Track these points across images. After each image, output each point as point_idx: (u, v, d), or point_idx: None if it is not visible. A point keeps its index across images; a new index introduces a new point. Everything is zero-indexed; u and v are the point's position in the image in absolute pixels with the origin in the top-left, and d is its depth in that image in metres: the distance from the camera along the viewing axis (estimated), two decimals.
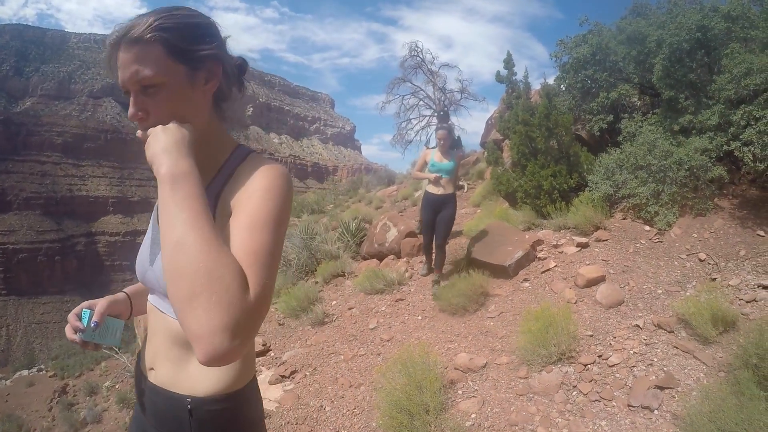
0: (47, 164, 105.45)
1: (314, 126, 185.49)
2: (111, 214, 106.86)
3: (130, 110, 1.00)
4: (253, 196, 0.99)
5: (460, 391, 3.56)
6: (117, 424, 14.39)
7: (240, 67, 1.24)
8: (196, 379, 1.11)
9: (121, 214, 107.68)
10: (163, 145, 0.94)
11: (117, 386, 17.46)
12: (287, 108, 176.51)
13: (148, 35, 0.96)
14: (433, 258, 6.00)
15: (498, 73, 9.92)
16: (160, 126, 0.98)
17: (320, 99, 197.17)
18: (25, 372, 28.50)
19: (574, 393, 3.20)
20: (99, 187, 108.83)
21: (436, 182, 5.58)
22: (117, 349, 19.19)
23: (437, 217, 5.65)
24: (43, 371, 26.94)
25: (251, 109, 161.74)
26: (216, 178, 1.12)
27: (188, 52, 1.01)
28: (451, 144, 5.91)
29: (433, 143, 8.98)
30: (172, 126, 0.98)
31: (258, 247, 0.90)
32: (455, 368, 3.86)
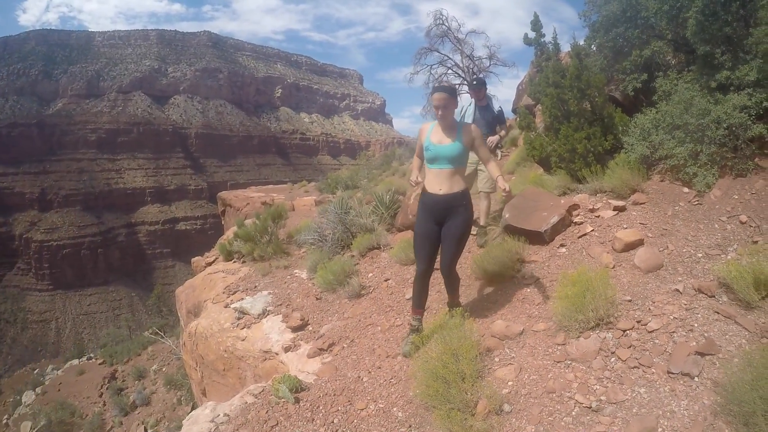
0: (83, 161, 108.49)
1: (344, 103, 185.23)
2: (149, 204, 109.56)
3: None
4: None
5: (496, 359, 3.58)
6: (165, 405, 16.08)
7: None
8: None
9: (159, 204, 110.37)
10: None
11: (164, 369, 19.36)
12: (316, 87, 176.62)
13: None
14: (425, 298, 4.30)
15: (525, 35, 9.61)
16: None
17: (348, 75, 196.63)
18: (75, 361, 30.51)
19: (613, 359, 3.14)
20: (135, 179, 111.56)
21: (436, 178, 4.04)
22: (161, 333, 20.94)
23: (442, 230, 4.06)
24: (93, 359, 29.00)
25: (280, 90, 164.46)
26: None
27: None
28: (467, 115, 6.02)
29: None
30: None
31: None
32: (492, 336, 3.87)
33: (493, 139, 5.87)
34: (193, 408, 11.45)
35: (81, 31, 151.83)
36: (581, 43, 8.16)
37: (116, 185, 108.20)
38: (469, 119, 6.04)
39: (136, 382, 19.30)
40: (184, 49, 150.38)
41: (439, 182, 4.01)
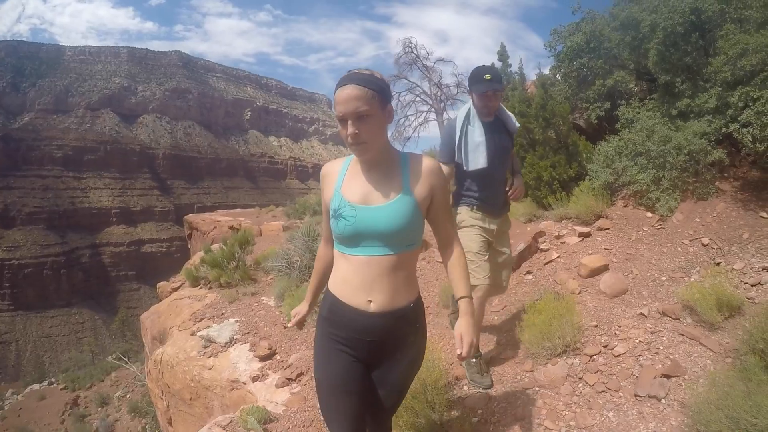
0: (48, 178, 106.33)
1: (313, 127, 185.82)
2: (114, 224, 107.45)
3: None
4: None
5: (465, 387, 3.54)
6: None
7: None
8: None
9: (124, 225, 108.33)
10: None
11: (128, 395, 18.79)
12: (285, 110, 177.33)
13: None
14: None
15: (492, 65, 9.79)
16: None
17: (318, 100, 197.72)
18: (36, 386, 29.49)
19: (581, 385, 3.17)
20: (101, 199, 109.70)
21: (359, 276, 1.87)
22: (124, 359, 20.21)
23: (372, 375, 2.01)
24: (54, 384, 28.15)
25: (249, 113, 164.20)
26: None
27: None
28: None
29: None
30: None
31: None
32: (460, 364, 3.78)
33: (517, 192, 3.56)
34: None
35: (51, 44, 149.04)
36: (546, 72, 8.37)
37: (81, 204, 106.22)
38: (470, 148, 3.28)
39: (100, 408, 18.88)
40: (154, 68, 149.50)
41: (366, 286, 1.87)
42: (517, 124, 3.56)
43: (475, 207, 3.41)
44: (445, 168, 3.16)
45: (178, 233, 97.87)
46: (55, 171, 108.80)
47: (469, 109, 3.36)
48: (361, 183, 1.89)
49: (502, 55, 9.63)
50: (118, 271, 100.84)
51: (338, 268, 1.96)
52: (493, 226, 3.44)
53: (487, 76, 3.24)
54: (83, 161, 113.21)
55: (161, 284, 11.32)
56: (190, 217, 23.71)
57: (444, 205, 1.97)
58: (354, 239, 1.85)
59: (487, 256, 3.37)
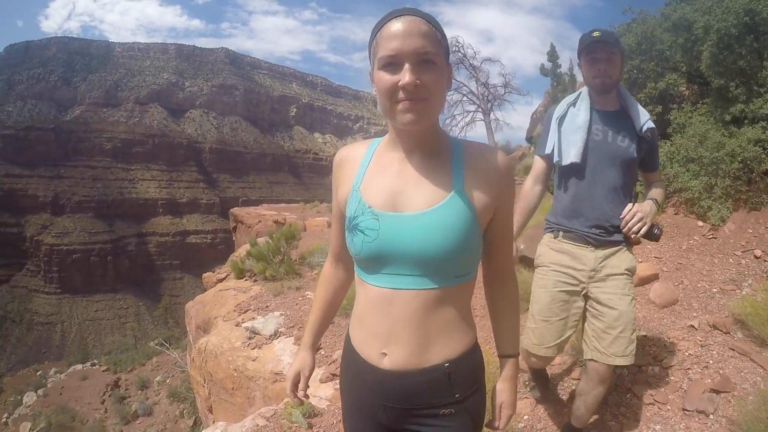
0: (98, 169, 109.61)
1: (358, 125, 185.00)
2: (161, 215, 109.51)
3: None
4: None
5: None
6: (167, 417, 15.57)
7: None
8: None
9: (170, 215, 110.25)
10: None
11: (168, 381, 18.91)
12: (330, 107, 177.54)
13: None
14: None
15: (542, 65, 9.70)
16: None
17: (363, 98, 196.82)
18: (79, 366, 30.36)
19: (628, 396, 3.12)
20: (148, 190, 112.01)
21: (380, 315, 1.25)
22: (166, 345, 20.79)
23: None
24: (97, 365, 28.67)
25: (294, 109, 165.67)
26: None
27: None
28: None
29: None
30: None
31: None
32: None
33: (634, 220, 2.33)
34: (195, 422, 11.58)
35: (101, 40, 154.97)
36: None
37: (129, 194, 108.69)
38: (566, 133, 2.47)
39: (139, 391, 19.17)
40: (201, 64, 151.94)
41: (382, 331, 1.26)
42: (650, 124, 2.47)
43: (561, 233, 2.51)
44: (537, 162, 2.63)
45: (222, 225, 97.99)
46: (104, 162, 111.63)
47: (581, 93, 2.55)
48: (391, 179, 1.25)
49: (552, 55, 9.48)
50: (162, 260, 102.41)
51: (357, 299, 1.36)
52: (589, 265, 2.41)
53: (596, 33, 2.33)
54: (132, 153, 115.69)
55: (207, 275, 11.35)
56: (236, 210, 23.87)
57: (508, 222, 1.34)
58: (375, 262, 1.24)
59: (560, 318, 2.47)
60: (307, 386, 1.63)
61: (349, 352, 1.38)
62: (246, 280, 8.47)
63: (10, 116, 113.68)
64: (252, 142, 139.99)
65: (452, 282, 1.22)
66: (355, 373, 1.36)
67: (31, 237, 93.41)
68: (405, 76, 1.10)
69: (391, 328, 1.23)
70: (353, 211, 1.26)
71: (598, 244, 2.42)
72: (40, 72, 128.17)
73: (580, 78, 9.24)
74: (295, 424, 3.57)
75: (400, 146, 1.26)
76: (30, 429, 16.66)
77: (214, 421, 5.14)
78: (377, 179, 1.27)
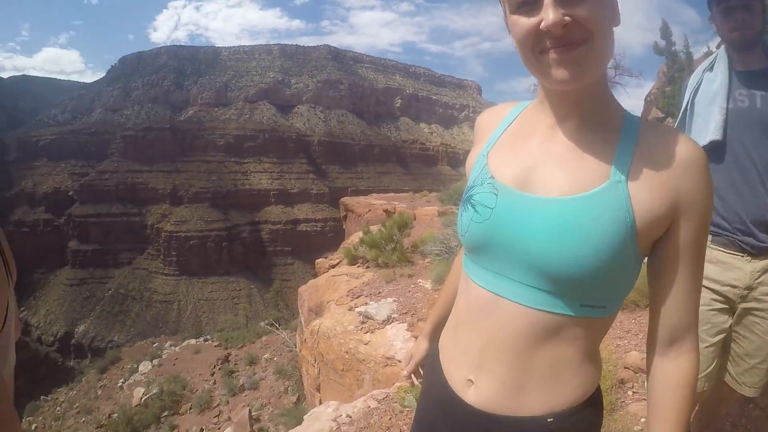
0: (212, 163, 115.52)
1: (463, 113, 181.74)
2: (272, 204, 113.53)
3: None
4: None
5: (629, 392, 3.27)
6: (272, 392, 16.43)
7: None
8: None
9: (282, 205, 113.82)
10: None
11: (275, 358, 19.64)
12: (435, 97, 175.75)
13: None
14: None
15: (655, 44, 9.37)
16: None
17: (467, 86, 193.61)
18: (192, 341, 31.55)
19: (750, 405, 2.94)
20: (261, 181, 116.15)
21: (471, 330, 0.96)
22: (276, 325, 22.41)
23: None
24: (209, 341, 29.63)
25: (399, 101, 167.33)
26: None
27: None
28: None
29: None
30: None
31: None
32: (625, 367, 3.46)
33: None
34: (298, 399, 12.49)
35: (208, 46, 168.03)
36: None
37: (242, 186, 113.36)
38: (700, 106, 1.92)
39: (248, 367, 20.02)
40: (305, 62, 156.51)
41: (475, 349, 0.94)
42: None
43: (709, 237, 1.56)
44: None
45: (332, 214, 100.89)
46: (218, 157, 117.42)
47: (717, 54, 1.99)
48: (529, 148, 0.94)
49: (665, 31, 8.01)
50: (274, 247, 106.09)
51: (458, 299, 1.06)
52: (743, 281, 1.81)
53: None
54: (244, 148, 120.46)
55: (319, 260, 11.90)
56: (346, 199, 25.09)
57: (691, 248, 0.86)
58: (482, 252, 0.94)
59: (709, 344, 1.89)
60: (415, 370, 1.42)
61: (433, 368, 1.10)
62: (358, 266, 8.79)
63: (129, 119, 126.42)
64: (359, 134, 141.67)
65: (575, 311, 0.86)
66: (434, 399, 1.07)
67: (152, 225, 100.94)
68: (548, 14, 0.76)
69: (484, 347, 0.93)
70: (472, 179, 1.00)
71: (757, 252, 1.80)
72: (153, 78, 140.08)
73: (698, 54, 7.82)
74: (407, 408, 3.62)
75: (550, 110, 0.92)
76: (143, 394, 18.04)
77: (320, 400, 5.79)
78: (512, 146, 0.98)
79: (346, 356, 5.53)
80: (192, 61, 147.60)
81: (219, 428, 15.19)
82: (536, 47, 0.79)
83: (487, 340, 0.90)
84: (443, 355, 1.05)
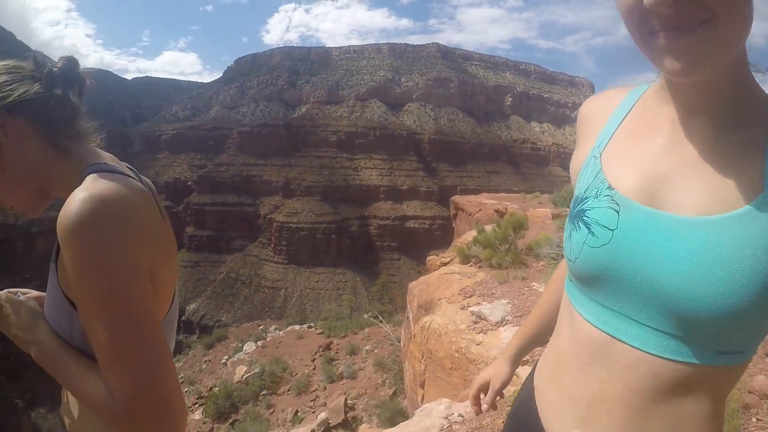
0: (324, 158, 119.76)
1: (575, 113, 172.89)
2: (382, 200, 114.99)
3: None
4: (68, 270, 0.85)
5: (754, 419, 3.00)
6: (369, 383, 16.40)
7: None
8: None
9: (391, 201, 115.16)
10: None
11: (376, 351, 19.79)
12: (546, 95, 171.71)
13: None
14: None
15: None
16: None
17: (579, 83, 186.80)
18: (296, 326, 31.53)
19: None
20: (371, 177, 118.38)
21: (584, 386, 0.79)
22: (381, 318, 22.97)
23: None
24: (313, 328, 29.53)
25: (510, 99, 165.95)
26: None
27: None
28: None
29: None
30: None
31: (108, 348, 0.84)
32: (750, 392, 3.19)
33: None
34: (395, 393, 12.91)
35: (319, 47, 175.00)
36: None
37: (353, 181, 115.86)
38: None
39: (348, 356, 20.27)
40: (414, 60, 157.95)
41: (582, 402, 0.78)
42: None
43: None
44: None
45: (440, 212, 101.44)
46: (330, 153, 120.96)
47: None
48: (654, 150, 0.75)
49: None
50: (381, 242, 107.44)
51: (557, 330, 0.90)
52: None
53: None
54: (355, 144, 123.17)
55: (431, 257, 12.16)
56: (457, 198, 25.08)
57: None
58: (596, 282, 0.76)
59: None
60: (494, 399, 1.27)
61: (527, 409, 0.94)
62: (471, 265, 8.68)
63: (245, 116, 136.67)
64: (469, 132, 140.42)
65: (710, 360, 0.69)
66: None
67: (265, 215, 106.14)
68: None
69: (593, 399, 0.77)
70: (583, 188, 0.81)
71: None
72: (268, 78, 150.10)
73: None
74: None
75: (677, 101, 0.73)
76: (245, 372, 19.05)
77: (423, 396, 5.91)
78: (632, 146, 0.78)
79: (456, 355, 5.53)
80: (304, 61, 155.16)
81: (314, 412, 15.19)
82: (643, 28, 0.61)
83: (599, 391, 0.74)
84: (540, 397, 0.89)
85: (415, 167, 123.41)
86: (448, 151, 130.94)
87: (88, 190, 0.82)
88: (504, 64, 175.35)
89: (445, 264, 9.70)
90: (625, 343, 0.70)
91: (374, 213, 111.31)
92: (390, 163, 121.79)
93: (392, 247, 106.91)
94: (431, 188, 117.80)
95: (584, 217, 0.75)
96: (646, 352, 0.68)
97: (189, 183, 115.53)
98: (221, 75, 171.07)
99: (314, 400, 16.38)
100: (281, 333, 28.72)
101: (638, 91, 0.82)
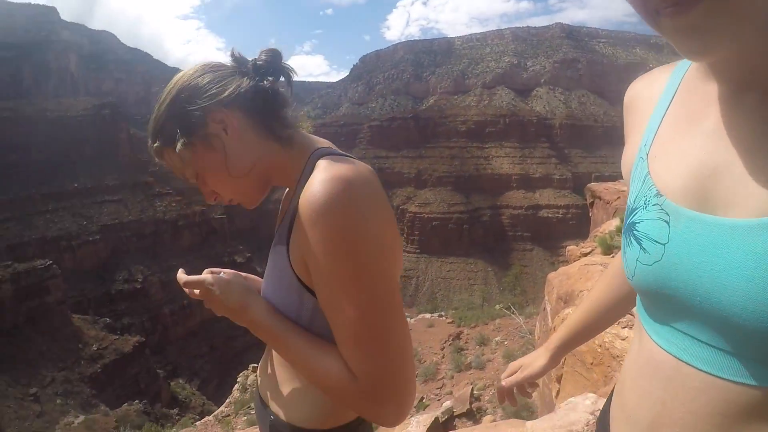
0: (455, 149, 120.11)
1: None
2: (514, 189, 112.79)
3: None
4: (314, 250, 0.85)
5: None
6: (497, 374, 15.42)
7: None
8: None
9: (523, 190, 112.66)
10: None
11: (506, 342, 18.75)
12: None
13: None
14: None
15: None
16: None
17: None
18: (427, 315, 29.77)
19: None
20: (502, 166, 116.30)
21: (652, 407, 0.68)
22: (513, 310, 21.15)
23: None
24: (443, 317, 27.57)
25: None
26: (285, 216, 0.98)
27: None
28: None
29: None
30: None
31: (355, 326, 0.84)
32: None
33: None
34: None
35: (441, 38, 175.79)
36: None
37: (484, 171, 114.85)
38: None
39: (477, 347, 18.95)
40: (538, 43, 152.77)
41: (652, 423, 0.66)
42: None
43: None
44: None
45: (574, 201, 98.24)
46: (460, 142, 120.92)
47: None
48: (700, 142, 0.62)
49: None
50: (514, 232, 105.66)
51: (629, 353, 0.81)
52: None
53: None
54: (484, 133, 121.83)
55: (570, 248, 11.57)
56: (593, 185, 22.89)
57: None
58: (656, 301, 0.67)
59: None
60: (521, 385, 1.27)
61: (606, 417, 0.89)
62: (613, 256, 8.25)
63: (374, 111, 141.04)
64: (602, 115, 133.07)
65: None
66: None
67: (398, 206, 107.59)
68: None
69: (655, 422, 0.69)
70: (633, 196, 0.71)
71: None
72: (393, 73, 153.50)
73: None
74: None
75: (720, 76, 0.62)
76: None
77: (559, 391, 5.69)
78: (677, 139, 0.66)
79: (599, 350, 5.32)
80: (427, 53, 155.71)
81: (439, 399, 14.62)
82: (648, 4, 0.53)
83: (661, 415, 0.66)
84: (613, 421, 0.81)
85: (548, 154, 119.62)
86: (581, 135, 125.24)
87: (329, 171, 0.85)
88: (633, 39, 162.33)
89: (585, 254, 9.51)
90: (691, 366, 0.62)
91: (506, 202, 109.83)
92: (521, 151, 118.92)
93: (525, 237, 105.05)
94: (564, 175, 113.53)
95: (635, 231, 0.67)
96: (713, 375, 0.60)
97: None
98: (348, 73, 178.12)
99: (440, 388, 15.81)
100: (412, 321, 27.36)
101: (681, 69, 0.72)
